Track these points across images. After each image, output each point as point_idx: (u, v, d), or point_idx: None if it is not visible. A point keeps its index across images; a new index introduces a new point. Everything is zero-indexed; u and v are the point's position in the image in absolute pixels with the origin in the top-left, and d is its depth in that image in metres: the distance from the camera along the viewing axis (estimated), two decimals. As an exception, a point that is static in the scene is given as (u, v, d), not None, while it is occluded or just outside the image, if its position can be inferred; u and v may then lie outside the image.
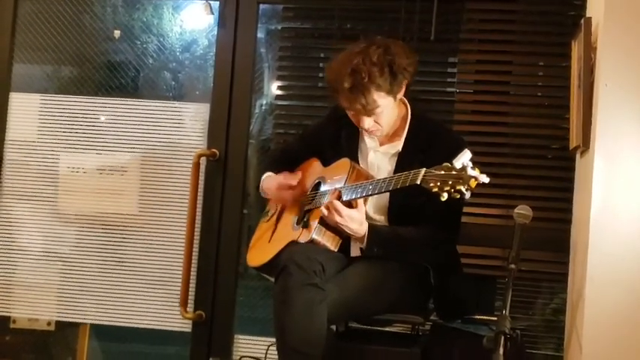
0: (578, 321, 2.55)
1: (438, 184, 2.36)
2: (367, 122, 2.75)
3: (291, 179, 2.91)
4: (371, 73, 2.64)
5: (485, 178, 2.35)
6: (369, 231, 2.68)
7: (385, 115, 2.75)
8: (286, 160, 3.08)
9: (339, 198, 2.68)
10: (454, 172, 2.36)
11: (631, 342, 2.44)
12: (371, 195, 2.66)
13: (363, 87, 2.65)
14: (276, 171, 3.00)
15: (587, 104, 2.59)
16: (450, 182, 2.35)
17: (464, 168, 2.35)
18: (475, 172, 2.34)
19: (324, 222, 2.70)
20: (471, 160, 2.38)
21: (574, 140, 2.82)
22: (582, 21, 2.68)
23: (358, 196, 2.65)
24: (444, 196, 2.35)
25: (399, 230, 2.75)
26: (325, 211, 2.65)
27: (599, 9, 2.59)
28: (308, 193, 2.92)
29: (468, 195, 2.35)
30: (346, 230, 2.66)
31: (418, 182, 2.41)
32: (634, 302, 2.44)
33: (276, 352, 2.61)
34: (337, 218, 2.63)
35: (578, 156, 2.94)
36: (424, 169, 2.42)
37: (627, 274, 2.45)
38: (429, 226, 2.72)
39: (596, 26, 2.62)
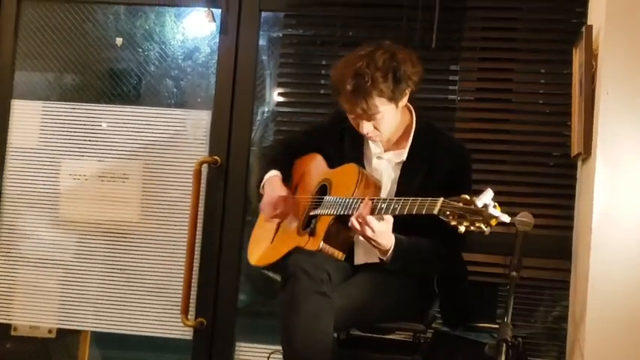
0: (580, 328, 2.55)
1: (456, 217, 2.31)
2: (366, 127, 2.73)
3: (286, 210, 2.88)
4: (374, 78, 2.63)
5: (506, 218, 2.28)
6: (395, 246, 2.62)
7: (385, 122, 2.73)
8: (289, 155, 3.04)
9: (372, 212, 2.57)
10: (473, 207, 2.29)
11: (633, 349, 2.43)
12: (391, 214, 2.57)
13: (365, 91, 2.64)
14: (280, 170, 2.95)
15: (589, 111, 2.59)
16: (469, 217, 2.29)
17: (485, 207, 2.28)
18: (497, 212, 2.27)
19: (331, 230, 2.67)
20: (493, 199, 2.30)
21: (575, 147, 2.82)
22: (583, 28, 2.69)
23: (383, 213, 2.57)
24: (462, 229, 2.30)
25: (419, 241, 2.69)
26: (357, 225, 2.57)
27: (601, 16, 2.59)
28: (312, 195, 2.89)
29: (487, 231, 2.29)
30: (373, 244, 2.61)
31: (435, 212, 2.36)
32: (636, 309, 2.44)
33: (277, 361, 2.61)
34: (369, 233, 2.56)
35: (579, 163, 2.94)
36: (442, 198, 2.36)
37: (629, 281, 2.45)
38: (439, 236, 2.66)
39: (597, 34, 2.63)
